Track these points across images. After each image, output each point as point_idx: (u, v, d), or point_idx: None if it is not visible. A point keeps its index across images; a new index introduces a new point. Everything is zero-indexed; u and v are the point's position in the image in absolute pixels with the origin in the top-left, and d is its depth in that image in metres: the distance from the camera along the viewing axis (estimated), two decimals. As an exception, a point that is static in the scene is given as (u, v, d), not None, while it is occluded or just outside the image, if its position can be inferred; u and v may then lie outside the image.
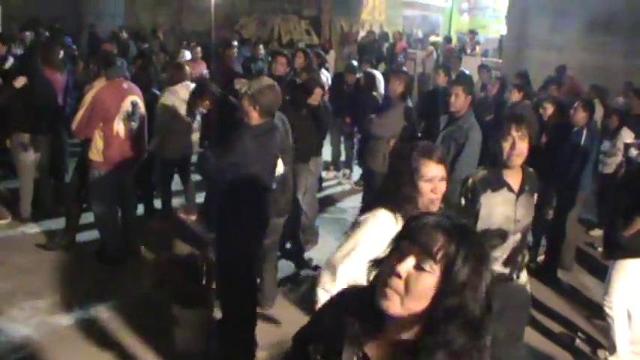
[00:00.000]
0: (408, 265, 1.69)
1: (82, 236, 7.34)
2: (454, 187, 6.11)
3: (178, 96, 7.56)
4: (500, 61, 17.48)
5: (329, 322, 1.91)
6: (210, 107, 7.00)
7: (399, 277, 1.69)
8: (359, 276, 2.32)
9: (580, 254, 7.93)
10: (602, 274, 7.21)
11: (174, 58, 13.73)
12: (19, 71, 7.79)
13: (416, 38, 22.92)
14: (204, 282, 5.20)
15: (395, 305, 1.70)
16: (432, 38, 21.50)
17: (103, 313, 5.88)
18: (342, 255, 3.13)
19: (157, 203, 8.33)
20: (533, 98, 9.33)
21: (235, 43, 14.41)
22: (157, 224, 8.01)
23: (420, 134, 8.11)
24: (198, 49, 14.03)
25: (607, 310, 5.44)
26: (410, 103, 7.85)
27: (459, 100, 6.42)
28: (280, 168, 5.37)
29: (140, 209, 7.93)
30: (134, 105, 6.65)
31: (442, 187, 3.14)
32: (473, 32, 20.99)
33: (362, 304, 1.82)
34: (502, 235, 4.17)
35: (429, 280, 1.68)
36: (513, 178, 4.18)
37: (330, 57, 17.63)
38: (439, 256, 1.67)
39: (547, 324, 6.32)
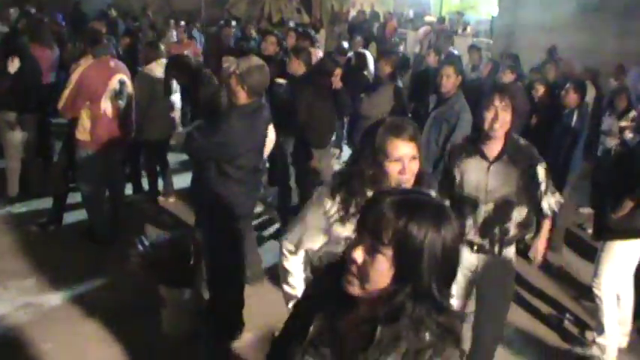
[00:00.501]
0: (360, 251, 1.74)
1: (70, 216, 7.30)
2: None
3: (155, 74, 7.45)
4: (492, 42, 17.45)
5: (305, 313, 1.94)
6: (187, 80, 6.84)
7: (355, 262, 1.74)
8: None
9: (569, 235, 7.93)
10: (590, 255, 7.22)
11: (162, 37, 13.55)
12: (4, 49, 7.69)
13: (407, 19, 22.85)
14: (191, 262, 5.18)
15: (355, 288, 1.76)
16: (428, 18, 21.41)
17: (90, 293, 5.87)
18: (290, 228, 3.33)
19: (145, 183, 8.30)
20: (524, 79, 9.31)
21: (234, 23, 14.28)
22: (145, 204, 7.97)
23: (409, 114, 8.09)
24: (182, 29, 13.68)
25: (596, 291, 5.43)
26: (400, 83, 7.82)
27: (450, 81, 6.42)
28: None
29: (128, 189, 7.87)
30: (121, 83, 6.58)
31: (413, 166, 2.93)
32: (460, 13, 20.98)
33: (333, 287, 1.85)
34: (473, 203, 4.19)
35: (382, 262, 1.72)
36: (492, 147, 4.16)
37: (321, 36, 17.52)
38: (388, 237, 1.70)
39: (535, 304, 6.33)
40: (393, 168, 2.92)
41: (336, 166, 10.23)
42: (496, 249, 4.26)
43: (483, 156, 4.16)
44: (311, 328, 1.86)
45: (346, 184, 3.04)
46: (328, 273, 1.97)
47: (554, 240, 7.37)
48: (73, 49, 8.66)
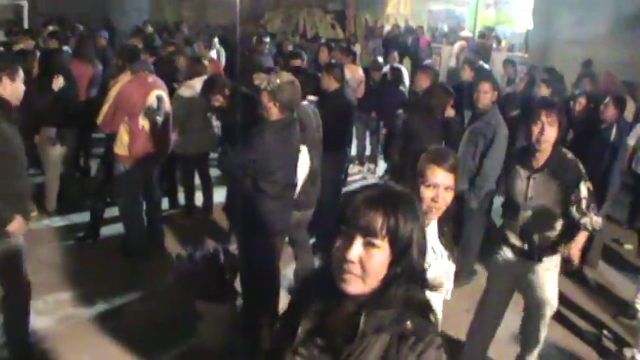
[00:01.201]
0: (357, 249, 1.82)
1: (107, 230, 7.38)
2: (484, 181, 6.15)
3: (195, 90, 7.53)
4: (527, 55, 17.33)
5: (292, 318, 2.01)
6: (224, 101, 6.90)
7: (353, 262, 1.82)
8: None
9: (606, 251, 7.82)
10: (627, 271, 7.15)
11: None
12: (46, 66, 7.82)
13: (442, 33, 22.80)
14: (227, 277, 5.20)
15: (357, 286, 1.83)
16: (463, 33, 21.35)
17: (126, 306, 5.93)
18: None
19: (182, 198, 8.37)
20: (561, 94, 9.21)
21: (267, 39, 14.32)
22: (181, 219, 8.03)
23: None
24: (203, 44, 13.27)
25: (638, 306, 5.38)
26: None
27: (487, 97, 6.40)
28: (306, 161, 5.38)
29: (164, 204, 7.93)
30: (159, 99, 6.65)
31: (447, 196, 3.01)
32: (489, 29, 20.97)
33: (323, 286, 1.92)
34: (515, 207, 4.50)
35: (380, 256, 1.83)
36: (537, 158, 4.38)
37: (355, 51, 17.55)
38: (383, 232, 1.82)
39: (572, 320, 6.25)
40: (427, 193, 3.00)
41: (371, 181, 10.24)
42: (535, 255, 4.48)
43: (528, 165, 4.40)
44: (299, 331, 1.92)
45: None
46: (310, 280, 2.09)
47: (591, 255, 7.28)
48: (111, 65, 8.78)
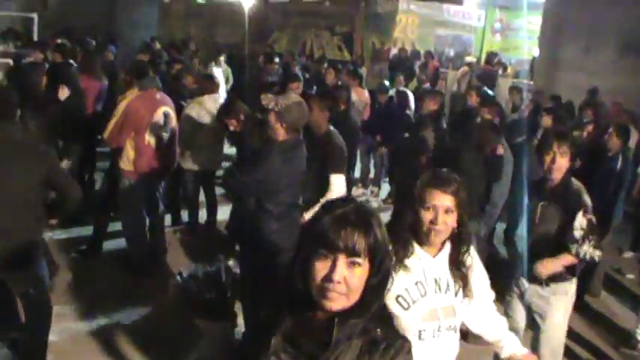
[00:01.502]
0: (341, 270, 1.87)
1: (109, 244, 7.37)
2: (493, 209, 6.18)
3: (205, 107, 7.56)
4: (532, 82, 17.37)
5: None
6: (238, 125, 6.95)
7: (337, 282, 1.86)
8: None
9: (608, 280, 7.80)
10: (630, 301, 7.11)
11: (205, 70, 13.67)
12: (53, 79, 7.85)
13: (448, 57, 22.88)
14: (229, 295, 5.19)
15: (342, 303, 1.89)
16: (468, 58, 21.45)
17: (126, 321, 5.92)
18: None
19: (185, 215, 8.37)
20: (565, 123, 9.21)
21: (277, 59, 14.35)
22: (184, 235, 8.03)
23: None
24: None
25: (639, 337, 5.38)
26: (443, 122, 7.84)
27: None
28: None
29: (167, 220, 7.93)
30: (166, 116, 6.68)
31: (448, 219, 2.91)
32: (493, 54, 21.07)
33: (294, 301, 1.97)
34: (528, 232, 4.53)
35: (362, 272, 1.90)
36: (549, 186, 4.44)
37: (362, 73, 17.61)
38: (365, 251, 1.88)
39: (574, 350, 6.20)
40: (425, 216, 2.92)
41: (374, 204, 10.24)
42: (543, 282, 4.50)
43: (538, 193, 4.50)
44: (272, 341, 1.97)
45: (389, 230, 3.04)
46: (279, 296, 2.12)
47: (593, 285, 7.26)
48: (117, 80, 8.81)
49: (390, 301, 2.86)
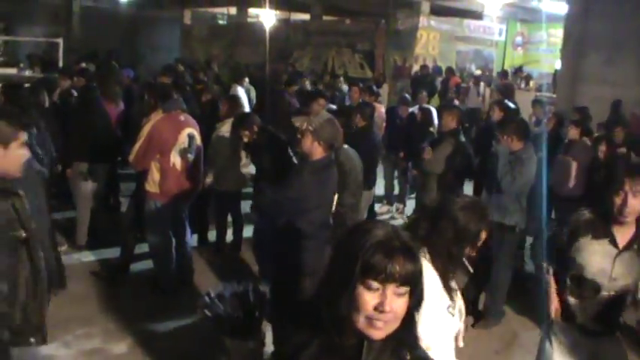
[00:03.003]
0: (391, 300, 1.84)
1: (137, 265, 7.42)
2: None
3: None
4: (554, 95, 17.31)
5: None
6: (251, 137, 7.02)
7: (386, 312, 1.84)
8: None
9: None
10: None
11: (228, 91, 13.75)
12: (80, 103, 7.98)
13: (469, 73, 22.85)
14: (256, 314, 5.21)
15: (387, 331, 1.87)
16: (477, 72, 21.54)
17: (155, 341, 5.95)
18: None
19: (211, 235, 8.41)
20: (591, 134, 9.15)
21: (307, 81, 14.46)
22: (211, 256, 8.07)
23: (474, 168, 8.12)
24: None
25: None
26: (463, 138, 7.83)
27: (514, 144, 6.41)
28: None
29: (194, 240, 7.98)
30: (191, 137, 6.72)
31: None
32: (519, 68, 21.07)
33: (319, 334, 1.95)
34: (595, 287, 3.87)
35: (405, 301, 1.88)
36: (622, 231, 3.83)
37: (384, 91, 17.65)
38: (410, 281, 1.87)
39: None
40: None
41: (400, 221, 10.24)
42: (611, 333, 4.07)
43: (613, 241, 3.83)
44: None
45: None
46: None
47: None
48: (141, 104, 8.88)
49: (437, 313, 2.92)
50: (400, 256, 1.84)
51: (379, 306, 1.83)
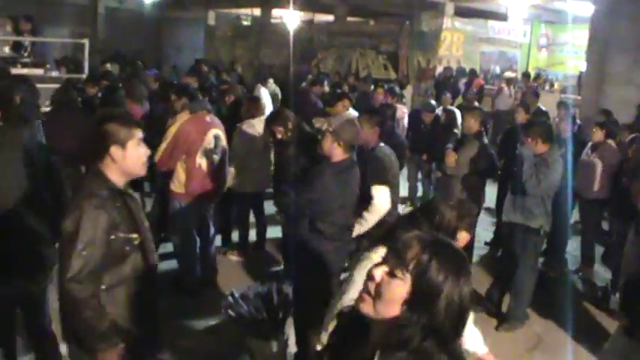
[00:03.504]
0: (381, 269, 1.81)
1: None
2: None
3: (256, 129, 7.63)
4: (580, 97, 17.18)
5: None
6: (284, 133, 6.95)
7: (373, 280, 1.81)
8: None
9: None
10: None
11: (251, 92, 13.77)
12: (102, 103, 8.05)
13: (494, 74, 22.73)
14: (280, 315, 5.23)
15: (367, 306, 1.82)
16: (507, 74, 21.35)
17: (178, 342, 5.95)
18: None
19: (235, 235, 8.44)
20: (616, 136, 9.08)
21: (326, 82, 14.46)
22: (235, 256, 8.10)
23: (499, 170, 8.12)
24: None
25: None
26: (485, 140, 7.81)
27: (539, 146, 6.39)
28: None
29: (218, 241, 7.99)
30: (216, 138, 6.76)
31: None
32: (537, 75, 20.98)
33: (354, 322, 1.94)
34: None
35: (399, 287, 1.78)
36: None
37: (407, 92, 17.62)
38: (411, 264, 1.77)
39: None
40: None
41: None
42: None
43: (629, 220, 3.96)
44: None
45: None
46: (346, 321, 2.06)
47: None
48: (165, 104, 8.92)
49: None
50: (412, 237, 1.83)
51: (369, 272, 1.84)
